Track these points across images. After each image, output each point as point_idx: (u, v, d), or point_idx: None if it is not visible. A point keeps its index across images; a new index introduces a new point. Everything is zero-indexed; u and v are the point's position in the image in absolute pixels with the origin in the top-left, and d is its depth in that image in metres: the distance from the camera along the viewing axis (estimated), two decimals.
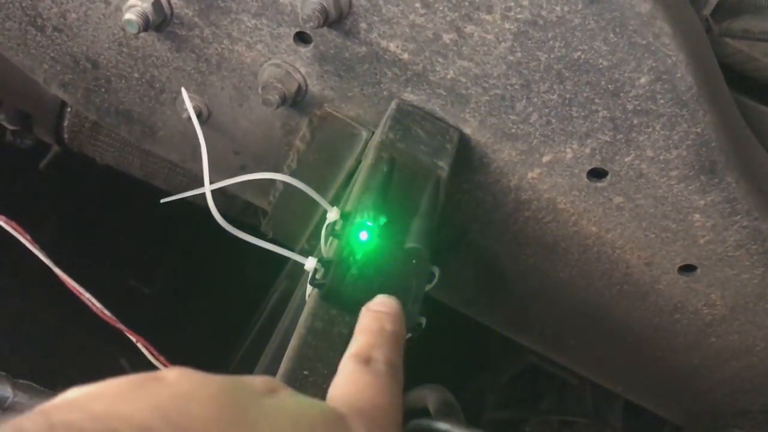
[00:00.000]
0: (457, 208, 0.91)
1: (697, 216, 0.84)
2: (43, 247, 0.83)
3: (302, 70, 0.82)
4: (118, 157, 1.26)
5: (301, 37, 0.79)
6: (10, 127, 1.26)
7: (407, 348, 0.53)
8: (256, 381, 0.40)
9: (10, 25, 0.87)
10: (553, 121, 0.78)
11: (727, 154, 0.78)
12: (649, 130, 0.76)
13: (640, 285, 0.95)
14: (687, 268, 0.92)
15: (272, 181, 0.94)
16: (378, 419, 0.42)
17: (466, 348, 1.64)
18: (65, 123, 1.20)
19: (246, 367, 1.21)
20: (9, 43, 0.90)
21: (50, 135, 1.24)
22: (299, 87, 0.82)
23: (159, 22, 0.79)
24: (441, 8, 0.72)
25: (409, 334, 0.57)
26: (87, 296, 0.77)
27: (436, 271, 0.66)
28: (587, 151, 0.80)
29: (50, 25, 0.86)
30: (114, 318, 0.76)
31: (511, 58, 0.73)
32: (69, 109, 1.19)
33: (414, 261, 0.64)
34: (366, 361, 0.46)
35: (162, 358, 0.80)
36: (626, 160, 0.80)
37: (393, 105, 0.80)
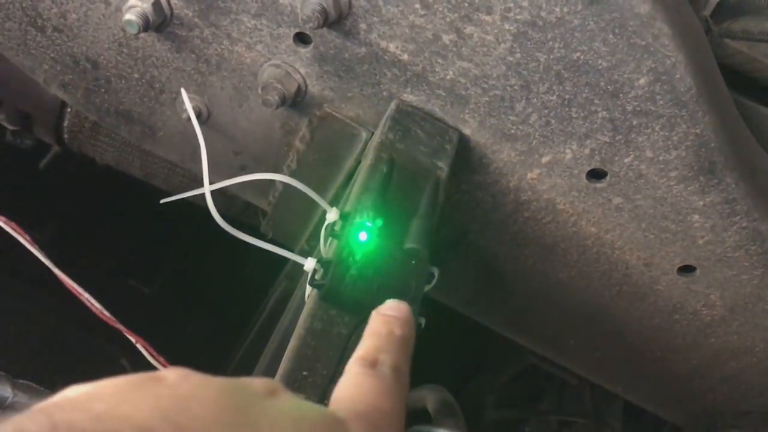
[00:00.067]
0: (457, 209, 0.91)
1: (696, 217, 0.84)
2: (43, 247, 0.83)
3: (302, 70, 0.82)
4: (118, 157, 1.26)
5: (301, 38, 0.79)
6: (11, 127, 1.26)
7: None
8: (256, 383, 0.40)
9: (10, 25, 0.88)
10: (553, 121, 0.78)
11: (727, 155, 0.78)
12: (649, 131, 0.76)
13: (640, 286, 0.95)
14: (686, 269, 0.92)
15: (272, 182, 0.94)
16: (379, 424, 0.41)
17: (466, 348, 1.65)
18: (65, 123, 1.21)
19: (245, 367, 1.21)
20: (9, 43, 0.90)
21: (50, 135, 1.24)
22: (299, 87, 0.83)
23: (159, 23, 0.79)
24: (440, 9, 0.72)
25: None
26: (86, 297, 0.77)
27: (436, 271, 0.66)
28: (586, 151, 0.80)
29: (50, 25, 0.86)
30: (113, 318, 0.76)
31: (511, 59, 0.74)
32: (69, 109, 1.19)
33: (413, 262, 0.64)
34: (372, 364, 0.46)
35: (161, 359, 0.80)
36: (625, 161, 0.80)
37: (392, 105, 0.81)
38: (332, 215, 0.67)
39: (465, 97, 0.78)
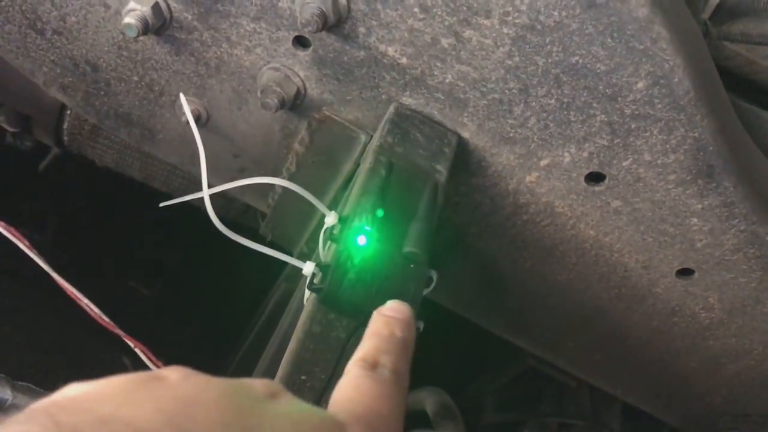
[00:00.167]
0: (455, 212, 0.91)
1: (694, 220, 0.84)
2: (42, 248, 0.83)
3: (301, 73, 0.82)
4: (118, 159, 1.26)
5: (300, 41, 0.79)
6: (10, 129, 1.26)
7: None
8: (258, 384, 0.40)
9: (10, 28, 0.88)
10: (551, 125, 0.78)
11: (725, 158, 0.78)
12: (647, 134, 0.76)
13: (638, 288, 0.95)
14: (684, 272, 0.92)
15: (271, 184, 0.94)
16: (377, 426, 0.41)
17: (465, 351, 1.64)
18: (65, 125, 1.21)
19: (245, 368, 1.21)
20: (8, 46, 0.90)
21: (50, 137, 1.25)
22: (298, 90, 0.83)
23: (158, 26, 0.79)
24: (439, 13, 0.72)
25: None
26: (85, 302, 0.77)
27: (434, 275, 0.66)
28: (585, 155, 0.80)
29: (50, 28, 0.87)
30: (112, 324, 0.76)
31: (509, 62, 0.74)
32: (69, 111, 1.19)
33: (412, 265, 0.64)
34: (372, 366, 0.46)
35: (160, 363, 0.80)
36: (624, 164, 0.80)
37: (391, 109, 0.81)
38: (331, 219, 0.67)
39: (464, 101, 0.79)
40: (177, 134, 0.96)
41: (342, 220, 0.66)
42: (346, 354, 0.57)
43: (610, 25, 0.68)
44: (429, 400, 0.75)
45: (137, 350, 0.78)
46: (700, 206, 0.83)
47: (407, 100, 0.81)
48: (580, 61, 0.72)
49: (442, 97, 0.79)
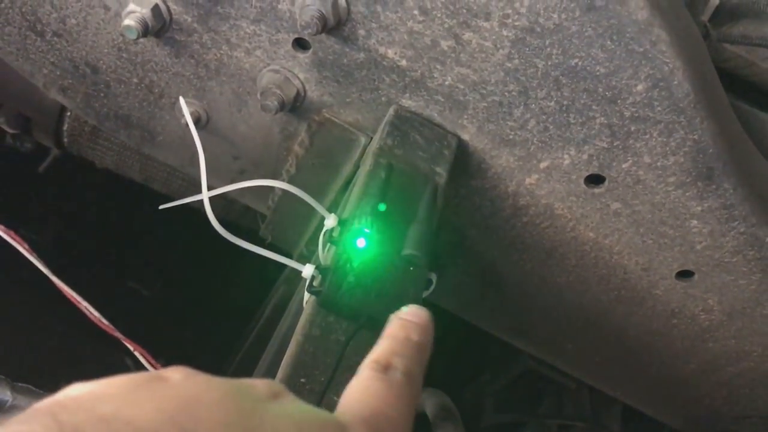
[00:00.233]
0: (455, 214, 0.91)
1: (694, 222, 0.84)
2: (43, 249, 0.83)
3: (301, 75, 0.82)
4: (118, 160, 1.26)
5: (300, 44, 0.79)
6: (10, 131, 1.26)
7: None
8: (260, 385, 0.40)
9: (10, 30, 0.88)
10: (551, 127, 0.78)
11: (725, 160, 0.78)
12: (647, 136, 0.76)
13: (638, 290, 0.95)
14: (684, 274, 0.92)
15: (271, 186, 0.94)
16: (384, 429, 0.41)
17: (465, 352, 1.64)
18: (65, 126, 1.21)
19: (245, 370, 1.21)
20: (9, 47, 0.90)
21: (50, 138, 1.25)
22: (298, 93, 0.83)
23: (158, 28, 0.79)
24: (439, 15, 0.72)
25: None
26: (85, 305, 0.77)
27: (434, 277, 0.66)
28: (585, 157, 0.80)
29: (50, 30, 0.87)
30: (111, 327, 0.76)
31: (509, 65, 0.74)
32: (69, 113, 1.19)
33: (411, 268, 0.64)
34: (385, 368, 0.45)
35: (159, 366, 0.80)
36: (623, 166, 0.80)
37: (391, 111, 0.81)
38: (330, 221, 0.67)
39: (463, 103, 0.79)
40: (177, 136, 0.96)
41: (341, 222, 0.66)
42: (345, 357, 0.57)
43: (610, 28, 0.68)
44: (428, 401, 0.75)
45: (136, 353, 0.78)
46: (699, 208, 0.83)
47: (407, 102, 0.81)
48: (580, 63, 0.72)
49: (442, 100, 0.79)
